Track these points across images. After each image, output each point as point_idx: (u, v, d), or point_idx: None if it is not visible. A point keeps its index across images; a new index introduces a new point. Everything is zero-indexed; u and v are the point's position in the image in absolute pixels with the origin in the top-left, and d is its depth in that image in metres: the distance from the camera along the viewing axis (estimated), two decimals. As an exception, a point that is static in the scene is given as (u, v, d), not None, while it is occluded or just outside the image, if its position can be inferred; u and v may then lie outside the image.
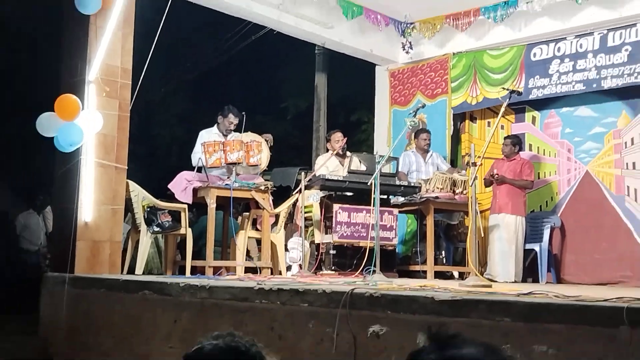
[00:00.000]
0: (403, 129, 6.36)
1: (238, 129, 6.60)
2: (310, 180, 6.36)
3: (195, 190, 6.11)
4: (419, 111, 6.46)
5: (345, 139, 7.20)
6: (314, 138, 10.35)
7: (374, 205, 5.56)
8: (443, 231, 7.34)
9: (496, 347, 1.02)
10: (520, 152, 7.32)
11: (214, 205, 5.98)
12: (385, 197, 6.57)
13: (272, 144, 6.65)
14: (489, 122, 8.13)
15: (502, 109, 6.72)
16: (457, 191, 6.90)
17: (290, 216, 6.83)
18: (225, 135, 6.59)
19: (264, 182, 6.30)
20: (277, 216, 6.59)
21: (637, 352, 2.83)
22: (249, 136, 6.51)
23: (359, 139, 11.77)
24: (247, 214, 6.53)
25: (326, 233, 6.31)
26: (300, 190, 6.26)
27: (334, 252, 6.29)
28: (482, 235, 6.93)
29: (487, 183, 7.29)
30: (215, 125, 6.71)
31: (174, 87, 15.28)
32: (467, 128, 8.25)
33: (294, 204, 6.65)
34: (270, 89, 14.96)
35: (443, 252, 7.36)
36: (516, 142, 7.26)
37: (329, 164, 7.03)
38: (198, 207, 6.57)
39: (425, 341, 1.06)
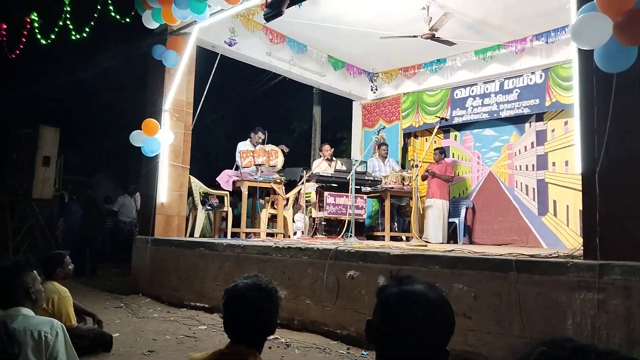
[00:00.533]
0: (370, 143, 6.32)
1: (262, 142, 6.56)
2: (309, 176, 6.32)
3: (234, 182, 6.08)
4: (380, 131, 6.47)
5: (332, 149, 7.11)
6: (311, 148, 10.31)
7: (351, 192, 5.54)
8: (396, 209, 7.32)
9: (435, 285, 1.02)
10: (445, 158, 7.24)
11: (246, 192, 5.95)
12: (358, 187, 6.51)
13: (285, 152, 6.62)
14: (426, 139, 8.06)
15: (435, 130, 6.75)
16: (405, 184, 6.87)
17: (296, 199, 6.79)
18: (254, 146, 6.54)
19: (279, 177, 6.27)
20: (287, 199, 6.59)
21: (521, 288, 2.86)
22: (270, 147, 6.46)
23: (342, 149, 11.68)
24: (268, 198, 6.53)
25: (319, 210, 6.29)
26: (302, 183, 6.25)
27: (325, 223, 6.26)
28: (421, 212, 6.92)
29: (423, 177, 7.22)
30: (248, 139, 6.63)
31: (221, 114, 15.16)
32: (412, 142, 8.20)
33: (299, 192, 6.65)
34: (284, 116, 14.87)
35: (395, 224, 7.32)
36: (442, 151, 7.16)
37: (321, 166, 6.98)
38: (236, 194, 6.54)
39: (388, 280, 1.04)
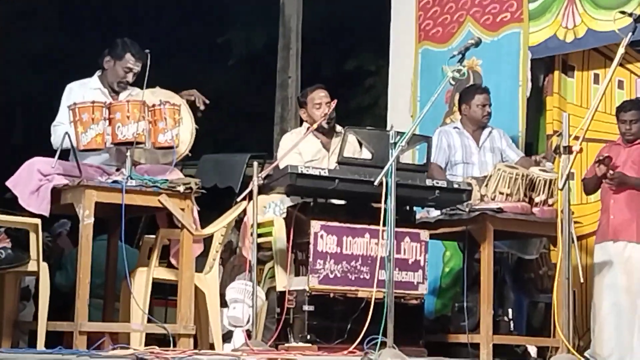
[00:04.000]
0: (440, 84, 6.22)
1: (139, 81, 6.57)
2: (270, 177, 6.33)
3: (57, 193, 6.08)
4: (468, 53, 6.41)
5: (334, 102, 7.18)
6: (277, 100, 10.35)
7: (385, 224, 5.53)
8: (510, 272, 7.37)
9: None
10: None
11: (92, 220, 5.92)
12: (406, 208, 6.59)
13: (201, 109, 6.60)
14: (596, 75, 8.12)
15: (621, 51, 6.74)
16: (536, 199, 6.89)
17: (232, 243, 6.76)
18: (115, 93, 6.57)
19: (185, 180, 6.31)
20: (207, 242, 6.60)
21: None
22: (157, 95, 6.43)
23: (360, 104, 11.71)
24: (152, 237, 6.56)
25: (297, 274, 6.37)
26: (250, 196, 6.21)
27: (312, 308, 6.25)
28: (583, 280, 6.83)
29: (591, 185, 7.20)
30: (97, 75, 6.68)
31: (28, 11, 15.24)
32: (558, 85, 8.22)
33: (240, 221, 6.64)
34: (199, 12, 14.90)
35: (510, 311, 7.31)
36: None
37: (305, 148, 7.10)
38: (61, 220, 6.49)
39: None
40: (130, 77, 6.57)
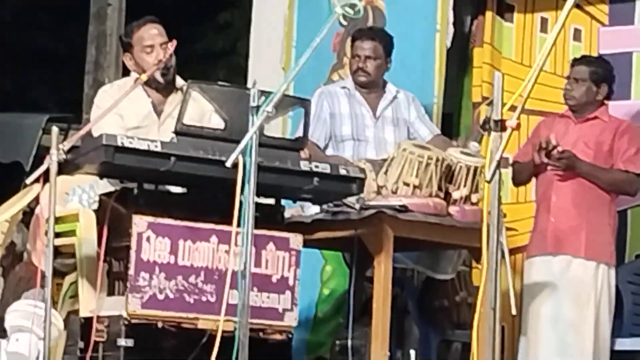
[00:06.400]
0: (325, 24, 6.05)
1: None
2: (77, 151, 6.15)
3: None
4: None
5: (173, 44, 7.18)
6: (91, 37, 10.31)
7: (240, 224, 5.41)
8: (416, 298, 7.36)
9: None
10: (611, 101, 7.34)
11: None
12: (271, 202, 6.50)
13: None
14: (544, 21, 8.15)
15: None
16: (455, 195, 6.85)
17: (16, 246, 6.47)
18: None
19: None
20: None
21: None
22: None
23: (211, 48, 11.70)
24: None
25: (111, 293, 6.24)
26: (45, 177, 5.98)
27: (130, 343, 6.16)
28: (515, 312, 6.72)
29: (524, 174, 7.21)
30: None
31: None
32: (490, 32, 8.26)
33: (29, 213, 6.44)
34: None
35: (412, 353, 7.26)
36: (602, 74, 7.28)
37: (130, 108, 7.06)
38: None
39: None
40: None
